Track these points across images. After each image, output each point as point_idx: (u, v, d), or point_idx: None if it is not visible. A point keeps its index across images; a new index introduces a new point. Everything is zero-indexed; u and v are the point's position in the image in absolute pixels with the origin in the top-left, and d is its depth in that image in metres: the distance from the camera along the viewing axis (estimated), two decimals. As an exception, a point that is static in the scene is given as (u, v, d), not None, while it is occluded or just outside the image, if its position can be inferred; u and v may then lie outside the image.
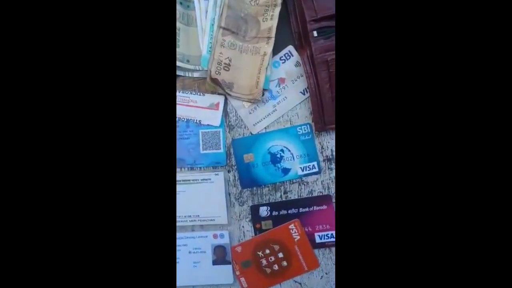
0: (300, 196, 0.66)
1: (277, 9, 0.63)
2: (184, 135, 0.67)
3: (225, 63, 0.63)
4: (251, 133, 0.67)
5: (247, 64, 0.64)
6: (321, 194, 0.66)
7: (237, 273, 0.67)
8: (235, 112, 0.67)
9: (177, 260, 0.68)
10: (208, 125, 0.67)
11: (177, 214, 0.67)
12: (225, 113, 0.67)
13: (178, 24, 0.63)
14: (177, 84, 0.66)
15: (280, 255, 0.66)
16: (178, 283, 0.68)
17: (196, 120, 0.67)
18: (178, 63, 0.64)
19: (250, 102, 0.66)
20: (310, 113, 0.66)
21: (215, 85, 0.63)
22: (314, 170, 0.66)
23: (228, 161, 0.67)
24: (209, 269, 0.67)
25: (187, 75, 0.66)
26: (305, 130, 0.66)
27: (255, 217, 0.67)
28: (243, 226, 0.67)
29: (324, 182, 0.66)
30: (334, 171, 0.65)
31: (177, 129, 0.67)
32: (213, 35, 0.64)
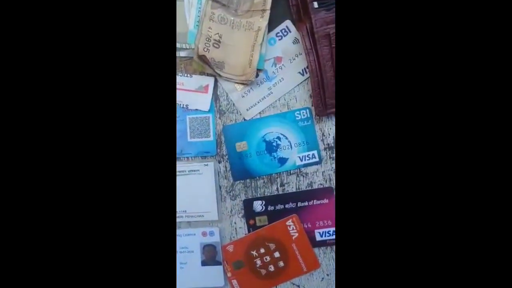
0: (299, 188, 0.61)
1: (273, -20, 0.56)
2: (170, 121, 0.61)
3: (214, 40, 0.57)
4: (244, 119, 0.61)
5: (239, 41, 0.57)
6: (321, 186, 0.60)
7: (229, 274, 0.61)
8: (226, 95, 0.61)
9: (161, 261, 0.61)
10: (196, 110, 0.61)
11: (162, 209, 0.61)
12: (215, 96, 0.61)
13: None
14: (162, 65, 0.60)
15: (276, 254, 0.61)
16: (163, 286, 0.61)
17: (183, 105, 0.60)
18: (161, 40, 0.57)
19: (243, 84, 0.59)
20: (309, 96, 0.59)
21: (203, 64, 0.56)
22: (314, 160, 0.60)
23: (218, 150, 0.62)
24: (197, 270, 0.62)
25: (172, 54, 0.60)
26: (304, 115, 0.60)
27: (249, 213, 0.62)
28: (235, 223, 0.62)
29: (325, 173, 0.60)
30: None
31: (162, 114, 0.61)
32: (201, 8, 0.57)
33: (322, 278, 0.61)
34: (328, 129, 0.60)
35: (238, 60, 0.58)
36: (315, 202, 0.60)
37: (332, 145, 0.60)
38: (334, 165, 0.60)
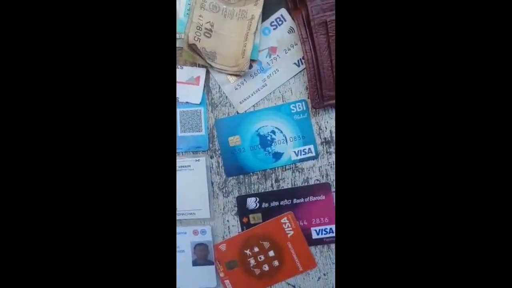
0: (294, 185, 0.58)
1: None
2: (159, 115, 0.58)
3: (206, 28, 0.54)
4: (237, 112, 0.58)
5: (232, 30, 0.55)
6: (318, 182, 0.58)
7: (221, 275, 0.59)
8: (219, 87, 0.58)
9: (151, 261, 0.59)
10: (187, 103, 0.58)
11: (151, 207, 0.58)
12: (207, 89, 0.58)
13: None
14: (151, 55, 0.57)
15: (271, 253, 0.59)
16: None
17: (173, 97, 0.58)
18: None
19: (236, 75, 0.57)
20: (305, 88, 0.57)
21: (194, 54, 0.54)
22: (310, 155, 0.57)
23: (210, 145, 0.59)
24: (188, 270, 0.59)
25: (162, 44, 0.57)
26: (299, 108, 0.57)
27: (242, 210, 0.59)
28: (228, 221, 0.59)
29: (322, 169, 0.57)
30: (333, 155, 0.57)
31: (151, 107, 0.58)
32: (191, -5, 0.54)
33: (319, 278, 0.59)
34: (325, 122, 0.57)
35: (231, 50, 0.55)
36: (312, 198, 0.58)
37: (329, 139, 0.57)
38: (331, 160, 0.57)
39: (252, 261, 0.59)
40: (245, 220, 0.59)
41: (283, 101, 0.58)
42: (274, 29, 0.57)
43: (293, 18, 0.55)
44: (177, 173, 0.58)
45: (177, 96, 0.58)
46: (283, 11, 0.56)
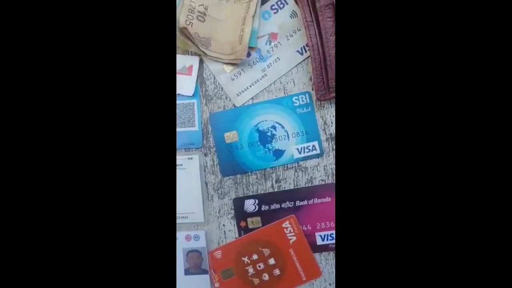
0: (297, 185, 0.53)
1: None
2: (148, 108, 0.53)
3: (199, 12, 0.49)
4: (234, 106, 0.53)
5: (228, 14, 0.50)
6: (323, 182, 0.52)
7: (217, 285, 0.54)
8: (214, 78, 0.53)
9: (139, 269, 0.53)
10: (178, 95, 0.53)
11: (139, 210, 0.53)
12: (201, 79, 0.53)
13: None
14: (139, 43, 0.52)
15: (271, 261, 0.54)
16: (141, 298, 0.53)
17: (163, 89, 0.52)
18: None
19: (232, 64, 0.51)
20: (309, 78, 0.52)
21: (185, 39, 0.48)
22: (314, 152, 0.52)
23: (204, 141, 0.54)
24: (180, 280, 0.55)
25: (151, 30, 0.51)
26: (303, 101, 0.52)
27: (239, 213, 0.54)
28: (223, 225, 0.54)
29: (328, 168, 0.52)
30: (340, 153, 0.52)
31: (139, 100, 0.53)
32: (183, -25, 0.49)
33: (324, 288, 0.53)
34: (330, 116, 0.52)
35: (227, 36, 0.50)
36: (316, 200, 0.53)
37: (335, 135, 0.52)
38: (337, 158, 0.52)
39: (251, 270, 0.54)
40: (242, 224, 0.54)
41: (284, 93, 0.53)
42: (275, 13, 0.52)
43: (296, 1, 0.50)
44: (168, 172, 0.53)
45: (167, 87, 0.52)
46: (284, -7, 0.51)
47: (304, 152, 0.53)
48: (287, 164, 0.53)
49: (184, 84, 0.52)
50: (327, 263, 0.53)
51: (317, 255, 0.53)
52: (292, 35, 0.52)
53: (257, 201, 0.54)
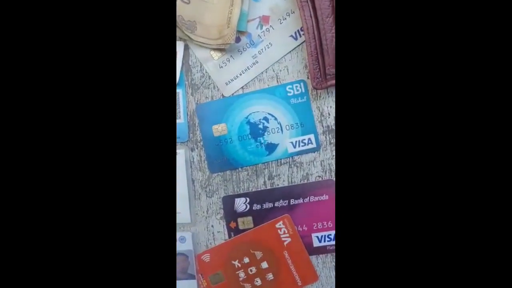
0: (292, 182, 0.49)
1: None
2: (129, 99, 0.49)
3: (183, -8, 0.45)
4: (223, 96, 0.49)
5: (215, -6, 0.45)
6: (320, 179, 0.49)
7: None
8: (200, 65, 0.49)
9: (120, 274, 0.50)
10: (162, 84, 0.48)
11: (120, 210, 0.49)
12: (186, 67, 0.49)
13: None
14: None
15: (264, 265, 0.50)
16: (123, 306, 0.49)
17: (145, 78, 0.48)
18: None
19: (220, 50, 0.47)
20: (305, 65, 0.47)
21: (168, 22, 0.44)
22: (310, 146, 0.48)
23: (191, 135, 0.50)
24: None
25: (131, 13, 0.47)
26: (298, 90, 0.48)
27: (229, 213, 0.50)
28: (212, 226, 0.51)
29: (325, 163, 0.48)
30: (338, 146, 0.48)
31: (119, 90, 0.49)
32: (165, -49, 0.45)
33: (321, 294, 0.49)
34: (328, 107, 0.48)
35: (214, 19, 0.45)
36: (312, 198, 0.49)
37: (333, 127, 0.48)
38: (335, 153, 0.48)
39: (242, 274, 0.50)
40: (233, 225, 0.50)
41: (277, 82, 0.48)
42: (266, -6, 0.48)
43: (289, -20, 0.46)
44: (151, 169, 0.49)
45: (150, 76, 0.48)
46: (277, -28, 0.47)
47: (299, 146, 0.48)
48: (281, 159, 0.49)
49: (168, 72, 0.48)
50: (324, 266, 0.49)
51: (313, 258, 0.49)
52: (285, 18, 0.47)
53: (248, 199, 0.50)
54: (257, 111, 0.49)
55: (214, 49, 0.48)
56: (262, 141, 0.49)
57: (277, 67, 0.48)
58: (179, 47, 0.48)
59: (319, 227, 0.49)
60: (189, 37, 0.46)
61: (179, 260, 0.50)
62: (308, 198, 0.49)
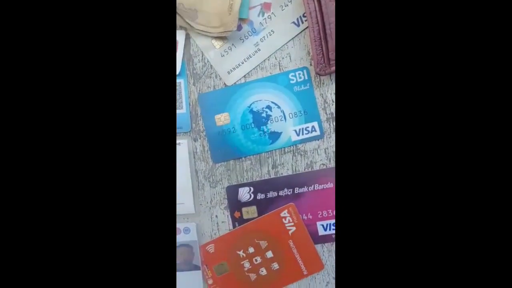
0: (296, 171, 0.49)
1: None
2: (130, 90, 0.48)
3: (183, -21, 0.44)
4: (225, 85, 0.48)
5: (216, -19, 0.45)
6: (324, 167, 0.48)
7: (210, 282, 0.50)
8: (202, 54, 0.48)
9: (124, 267, 0.49)
10: (163, 74, 0.48)
11: (123, 202, 0.49)
12: (188, 56, 0.48)
13: None
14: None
15: (269, 254, 0.50)
16: (128, 299, 0.49)
17: (147, 68, 0.48)
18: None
19: (222, 38, 0.47)
20: (307, 52, 0.47)
21: (169, 9, 0.44)
22: (314, 134, 0.48)
23: (193, 125, 0.49)
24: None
25: (131, 2, 0.47)
26: (300, 78, 0.47)
27: (233, 203, 0.50)
28: (216, 216, 0.50)
29: (329, 151, 0.48)
30: (342, 134, 0.47)
31: (120, 81, 0.48)
32: None
33: (327, 283, 0.49)
34: (331, 94, 0.47)
35: (215, 7, 0.45)
36: (317, 187, 0.48)
37: (337, 114, 0.48)
38: (339, 140, 0.48)
39: (247, 264, 0.49)
40: (237, 214, 0.50)
41: (280, 69, 0.48)
42: (267, -19, 0.47)
43: (290, -34, 0.45)
44: (154, 159, 0.49)
45: (151, 66, 0.48)
46: (278, -42, 0.47)
47: (302, 134, 0.48)
48: (285, 147, 0.49)
49: (169, 62, 0.48)
50: (330, 255, 0.49)
51: (319, 247, 0.49)
52: (287, 5, 0.47)
53: (252, 189, 0.49)
54: (260, 100, 0.48)
55: (216, 38, 0.47)
56: (266, 130, 0.49)
57: (280, 54, 0.48)
58: (180, 36, 0.47)
59: (324, 215, 0.49)
60: (190, 25, 0.45)
61: (183, 251, 0.50)
62: (312, 186, 0.49)
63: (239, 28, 0.47)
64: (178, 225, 0.49)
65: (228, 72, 0.48)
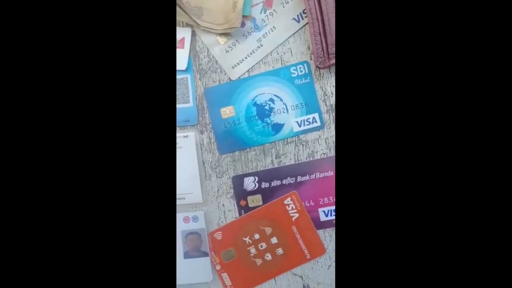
0: (298, 160, 0.51)
1: None
2: (139, 85, 0.50)
3: (189, -21, 0.46)
4: (230, 79, 0.50)
5: (220, -19, 0.47)
6: (325, 156, 0.50)
7: (218, 267, 0.51)
8: (207, 51, 0.50)
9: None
10: (170, 69, 0.50)
11: (134, 192, 0.50)
12: (194, 52, 0.50)
13: None
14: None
15: (274, 240, 0.51)
16: (139, 285, 0.51)
17: (154, 64, 0.50)
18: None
19: (226, 35, 0.49)
20: (307, 47, 0.49)
21: (178, 8, 0.46)
22: (315, 125, 0.50)
23: (200, 118, 0.51)
24: (179, 264, 0.52)
25: (139, 1, 0.49)
26: (301, 71, 0.50)
27: (239, 192, 0.52)
28: (223, 205, 0.52)
29: (329, 140, 0.50)
30: (342, 124, 0.49)
31: (129, 77, 0.50)
32: None
33: (329, 266, 0.51)
34: (330, 87, 0.50)
35: (219, 4, 0.47)
36: (318, 175, 0.50)
37: (336, 106, 0.50)
38: (339, 131, 0.50)
39: (253, 250, 0.52)
40: (242, 203, 0.52)
41: (282, 64, 0.50)
42: (269, -21, 0.49)
43: (290, -35, 0.47)
44: (162, 151, 0.50)
45: (159, 62, 0.50)
46: (278, -42, 0.49)
47: (304, 125, 0.50)
48: (287, 138, 0.51)
49: (177, 58, 0.50)
50: (331, 239, 0.51)
51: (321, 232, 0.51)
52: (288, 2, 0.49)
53: (257, 178, 0.51)
54: (263, 93, 0.51)
55: (220, 34, 0.49)
56: (269, 122, 0.51)
57: (281, 49, 0.50)
58: (187, 33, 0.49)
59: (325, 201, 0.51)
60: (196, 22, 0.48)
61: (192, 238, 0.52)
62: (314, 174, 0.51)
63: (243, 24, 0.49)
64: (187, 214, 0.51)
65: (233, 67, 0.50)
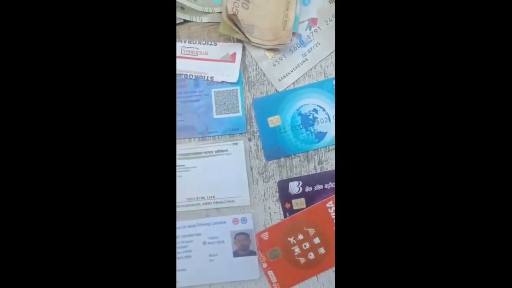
0: (340, 166, 0.54)
1: None
2: (193, 97, 0.54)
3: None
4: (276, 90, 0.54)
5: (271, 0, 0.51)
6: (365, 162, 0.54)
7: (264, 265, 0.55)
8: (256, 64, 0.54)
9: (189, 254, 0.54)
10: (222, 82, 0.54)
11: (187, 196, 0.54)
12: (243, 66, 0.54)
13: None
14: (182, 32, 0.53)
15: (316, 240, 0.55)
16: (191, 282, 0.55)
17: (207, 77, 0.53)
18: (183, 1, 0.50)
19: (274, 50, 0.53)
20: (349, 61, 0.53)
21: (233, 25, 0.49)
22: (356, 133, 0.54)
23: (248, 127, 0.55)
24: (229, 262, 0.55)
25: (194, 19, 0.52)
26: (343, 84, 0.53)
27: (284, 195, 0.55)
28: (269, 207, 0.56)
29: (369, 147, 0.54)
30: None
31: (184, 89, 0.54)
32: (226, -36, 0.50)
33: (368, 264, 0.55)
34: (370, 98, 0.54)
35: (269, 23, 0.51)
36: (359, 180, 0.54)
37: (376, 115, 0.54)
38: (377, 138, 0.54)
39: (297, 250, 0.55)
40: (287, 206, 0.55)
41: (325, 76, 0.54)
42: (314, -1, 0.53)
43: (335, -14, 0.51)
44: (214, 158, 0.54)
45: (211, 75, 0.53)
46: (323, -21, 0.53)
47: (346, 133, 0.54)
48: (329, 146, 0.55)
49: (228, 71, 0.53)
50: (370, 240, 0.55)
51: (360, 233, 0.55)
52: (331, 20, 0.53)
53: (301, 182, 0.55)
54: (307, 104, 0.54)
55: (269, 49, 0.53)
56: (312, 130, 0.55)
57: (324, 63, 0.54)
58: (238, 48, 0.53)
59: (365, 204, 0.55)
60: (248, 39, 0.51)
61: (241, 239, 0.55)
62: (354, 179, 0.55)
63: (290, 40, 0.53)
64: (236, 216, 0.55)
65: (279, 80, 0.54)
